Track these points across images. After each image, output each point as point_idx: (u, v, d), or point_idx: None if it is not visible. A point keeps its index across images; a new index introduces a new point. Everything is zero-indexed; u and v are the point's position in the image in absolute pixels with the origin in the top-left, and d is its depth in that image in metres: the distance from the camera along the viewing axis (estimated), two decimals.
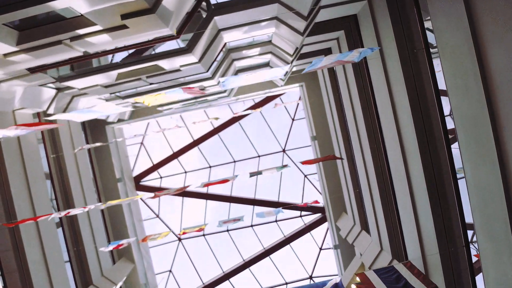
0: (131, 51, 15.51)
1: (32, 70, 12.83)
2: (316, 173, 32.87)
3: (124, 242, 22.94)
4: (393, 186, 17.34)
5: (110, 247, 22.41)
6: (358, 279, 12.30)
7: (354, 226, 25.41)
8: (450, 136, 12.11)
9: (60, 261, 20.84)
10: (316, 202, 23.75)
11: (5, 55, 10.99)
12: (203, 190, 34.64)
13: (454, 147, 12.00)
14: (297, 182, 34.81)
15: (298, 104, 33.31)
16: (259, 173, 20.02)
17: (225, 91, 25.36)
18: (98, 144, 22.87)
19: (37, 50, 10.77)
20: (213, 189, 34.98)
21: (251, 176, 19.85)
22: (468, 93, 9.58)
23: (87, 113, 10.99)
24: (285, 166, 20.70)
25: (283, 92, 32.30)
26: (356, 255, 26.96)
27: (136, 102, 20.62)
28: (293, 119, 34.18)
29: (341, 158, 19.42)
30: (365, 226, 23.76)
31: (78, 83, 17.03)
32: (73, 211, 17.14)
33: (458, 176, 12.05)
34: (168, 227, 35.37)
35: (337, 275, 29.04)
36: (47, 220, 20.13)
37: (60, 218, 22.77)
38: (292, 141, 34.49)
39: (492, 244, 9.89)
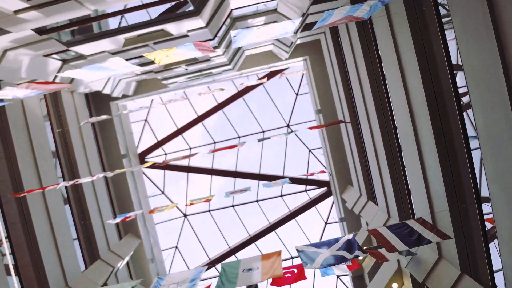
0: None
1: (41, 31, 12.79)
2: (320, 148, 32.84)
3: (131, 214, 23.00)
4: (401, 151, 17.35)
5: (118, 219, 22.49)
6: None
7: (361, 197, 25.44)
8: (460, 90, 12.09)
9: (68, 235, 20.93)
10: (323, 172, 23.79)
11: (16, 12, 10.96)
12: (208, 165, 34.74)
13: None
14: (302, 157, 34.88)
15: (302, 75, 33.20)
16: (267, 138, 20.07)
17: (229, 63, 25.29)
18: (104, 116, 22.82)
19: (48, 6, 10.73)
20: (218, 165, 35.08)
21: (259, 141, 19.88)
22: (480, 47, 9.51)
23: (97, 70, 10.96)
24: (293, 131, 20.75)
25: (287, 67, 32.20)
26: (362, 227, 27.02)
27: (146, 63, 20.46)
28: (297, 94, 34.14)
29: (349, 122, 19.37)
30: (371, 197, 23.79)
31: (85, 49, 16.98)
32: (80, 180, 17.18)
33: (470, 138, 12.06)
34: (173, 202, 35.43)
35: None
36: (54, 195, 20.21)
37: (68, 195, 22.83)
38: (296, 117, 34.50)
39: (505, 195, 9.88)
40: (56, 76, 18.94)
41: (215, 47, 20.10)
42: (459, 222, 12.95)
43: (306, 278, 13.83)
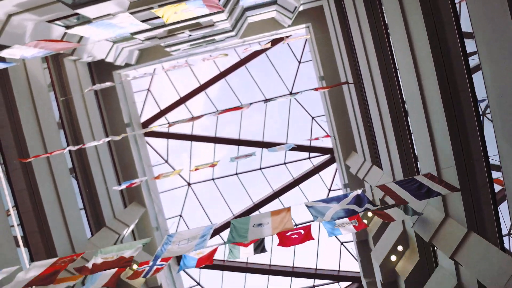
0: None
1: None
2: (323, 115, 32.85)
3: (136, 181, 23.10)
4: (406, 111, 17.34)
5: (123, 186, 22.60)
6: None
7: (365, 162, 25.48)
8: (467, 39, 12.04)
9: (73, 202, 21.05)
10: (327, 136, 23.82)
11: None
12: (212, 133, 34.76)
13: (472, 59, 11.96)
14: (305, 125, 34.87)
15: (305, 42, 33.06)
16: (273, 99, 20.06)
17: (232, 29, 25.18)
18: (107, 83, 22.86)
19: None
20: (221, 133, 35.13)
21: (264, 102, 19.88)
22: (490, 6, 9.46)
23: (105, 27, 10.94)
24: (298, 92, 20.72)
25: (290, 35, 32.05)
26: (366, 192, 27.09)
27: (154, 18, 20.29)
28: (299, 62, 34.05)
29: (352, 83, 19.33)
30: (376, 161, 23.84)
31: (90, 11, 16.91)
32: (87, 144, 17.22)
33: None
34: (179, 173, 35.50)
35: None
36: (60, 163, 20.29)
37: (73, 163, 22.91)
38: (299, 85, 34.45)
39: None
40: (65, 34, 18.89)
41: (219, 12, 19.99)
42: (466, 179, 12.97)
43: (313, 239, 13.91)
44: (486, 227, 12.92)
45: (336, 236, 33.09)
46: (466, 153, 12.90)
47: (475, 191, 12.96)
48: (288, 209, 12.58)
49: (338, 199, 12.24)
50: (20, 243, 17.29)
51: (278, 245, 14.08)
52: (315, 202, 12.30)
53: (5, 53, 11.10)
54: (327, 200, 12.32)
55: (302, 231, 14.18)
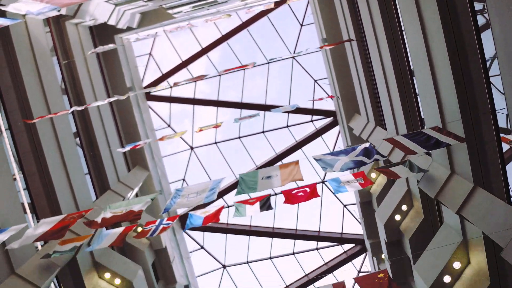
0: None
1: None
2: (326, 78, 32.72)
3: (140, 143, 23.12)
4: (411, 68, 17.26)
5: (127, 148, 22.63)
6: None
7: (368, 123, 25.45)
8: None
9: (78, 165, 21.10)
10: (331, 96, 23.74)
11: None
12: (214, 97, 34.73)
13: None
14: (307, 89, 34.76)
15: (307, 3, 32.75)
16: (277, 59, 19.99)
17: None
18: (110, 45, 22.73)
19: None
20: (224, 97, 35.07)
21: (269, 61, 19.81)
22: None
23: None
24: (301, 52, 20.63)
25: None
26: None
27: None
28: (301, 25, 33.81)
29: (354, 40, 19.20)
30: (379, 122, 23.81)
31: None
32: (92, 104, 17.19)
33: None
34: (181, 137, 35.49)
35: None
36: (64, 126, 20.29)
37: (77, 127, 22.90)
38: (301, 49, 34.13)
39: None
40: None
41: None
42: (472, 133, 12.94)
43: (319, 196, 13.98)
44: (493, 182, 12.94)
45: (339, 199, 33.32)
46: (472, 107, 12.85)
47: (481, 146, 12.95)
48: (296, 162, 12.62)
49: (346, 151, 12.26)
50: (27, 207, 17.35)
51: (284, 202, 14.14)
52: (323, 155, 12.31)
53: (11, 8, 11.03)
54: (335, 153, 12.33)
55: (308, 189, 14.23)
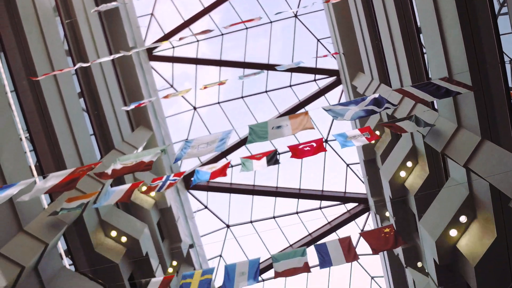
0: None
1: None
2: (329, 37, 32.53)
3: (145, 101, 23.08)
4: (416, 22, 17.12)
5: (132, 106, 22.59)
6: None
7: (372, 81, 25.32)
8: None
9: (83, 124, 21.10)
10: (336, 53, 23.62)
11: None
12: (217, 57, 34.55)
13: None
14: (311, 47, 34.59)
15: None
16: (283, 11, 19.85)
17: None
18: (113, 3, 22.51)
19: None
20: (227, 56, 34.92)
21: (275, 14, 19.66)
22: None
23: None
24: (307, 6, 20.49)
25: None
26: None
27: None
28: None
29: None
30: (384, 79, 23.70)
31: None
32: (98, 60, 17.12)
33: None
34: (184, 97, 35.46)
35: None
36: (68, 86, 20.26)
37: (81, 87, 22.85)
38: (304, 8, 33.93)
39: None
40: None
41: None
42: (480, 86, 12.88)
43: (325, 150, 14.01)
44: (500, 135, 12.93)
45: (342, 158, 33.39)
46: (480, 60, 12.77)
47: (489, 98, 12.90)
48: (306, 113, 12.60)
49: (355, 102, 12.24)
50: (33, 168, 17.40)
51: (291, 157, 14.19)
52: (333, 106, 12.28)
53: None
54: (345, 103, 12.30)
55: (314, 144, 14.25)
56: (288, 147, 14.71)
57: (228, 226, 35.56)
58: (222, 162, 14.94)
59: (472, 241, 14.99)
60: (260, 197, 35.12)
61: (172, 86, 35.75)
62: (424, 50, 17.30)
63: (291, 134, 11.79)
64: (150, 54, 33.85)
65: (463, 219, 15.34)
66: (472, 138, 13.65)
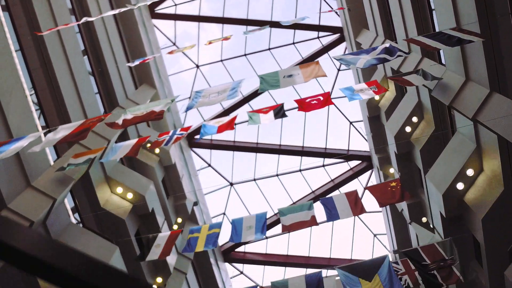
0: None
1: None
2: None
3: (149, 57, 23.01)
4: None
5: (136, 62, 22.50)
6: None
7: (377, 37, 25.17)
8: None
9: (87, 82, 21.07)
10: (341, 8, 23.44)
11: None
12: (219, 14, 34.30)
13: None
14: (313, 5, 34.37)
15: None
16: None
17: None
18: None
19: None
20: (229, 14, 34.63)
21: None
22: None
23: None
24: None
25: None
26: (377, 69, 26.88)
27: None
28: None
29: None
30: (389, 35, 23.56)
31: None
32: (102, 15, 16.98)
33: None
34: (187, 55, 35.30)
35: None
36: (72, 43, 20.17)
37: (84, 45, 22.74)
38: None
39: None
40: None
41: None
42: (489, 37, 12.79)
43: (333, 103, 13.99)
44: (509, 87, 12.90)
45: (345, 116, 33.37)
46: (490, 10, 12.65)
47: (498, 50, 12.83)
48: (317, 62, 12.54)
49: (367, 51, 12.19)
50: (39, 127, 17.39)
51: (298, 110, 14.18)
52: (344, 55, 12.24)
53: None
54: (356, 53, 12.25)
55: (321, 97, 14.21)
56: (295, 100, 14.67)
57: (231, 184, 35.67)
58: (228, 117, 14.89)
59: (479, 194, 15.06)
60: (264, 155, 35.21)
61: (174, 44, 35.56)
62: (432, 3, 17.14)
63: (303, 82, 11.75)
64: (153, 12, 33.61)
65: (470, 172, 15.39)
66: (481, 91, 13.62)
